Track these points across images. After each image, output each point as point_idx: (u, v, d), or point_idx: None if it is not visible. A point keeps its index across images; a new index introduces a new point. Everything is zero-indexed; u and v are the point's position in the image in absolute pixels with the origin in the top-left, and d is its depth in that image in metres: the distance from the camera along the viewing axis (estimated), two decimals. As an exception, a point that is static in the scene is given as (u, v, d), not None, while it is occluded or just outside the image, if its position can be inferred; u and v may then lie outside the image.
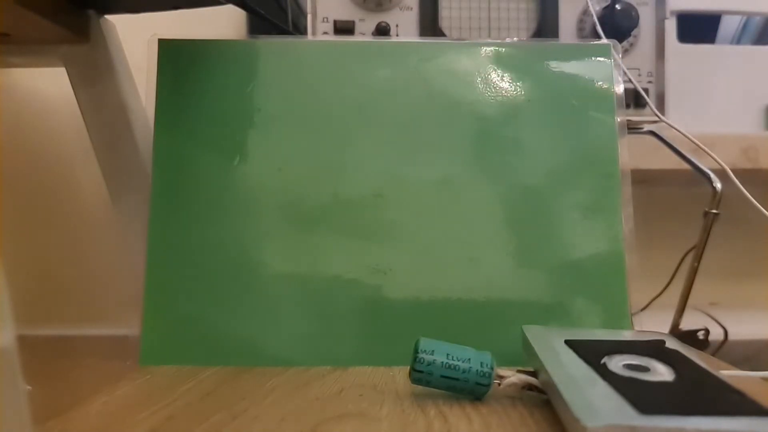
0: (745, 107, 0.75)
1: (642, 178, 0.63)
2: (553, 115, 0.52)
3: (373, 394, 0.40)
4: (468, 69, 0.52)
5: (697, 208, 0.61)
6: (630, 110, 0.63)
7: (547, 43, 0.55)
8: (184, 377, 0.44)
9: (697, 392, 0.33)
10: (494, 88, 0.52)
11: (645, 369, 0.36)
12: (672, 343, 0.41)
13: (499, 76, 0.53)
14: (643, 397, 0.31)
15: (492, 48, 0.53)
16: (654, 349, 0.39)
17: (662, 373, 0.35)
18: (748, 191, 0.54)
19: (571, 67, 0.53)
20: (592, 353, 0.38)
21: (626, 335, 0.46)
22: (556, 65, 0.53)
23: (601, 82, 0.52)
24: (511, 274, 0.50)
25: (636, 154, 0.62)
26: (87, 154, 0.57)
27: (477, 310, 0.49)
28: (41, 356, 0.53)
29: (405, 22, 0.61)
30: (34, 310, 0.72)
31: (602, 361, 0.36)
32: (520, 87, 0.52)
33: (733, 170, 0.56)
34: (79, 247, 0.77)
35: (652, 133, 0.64)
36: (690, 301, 0.60)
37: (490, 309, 0.49)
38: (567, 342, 0.40)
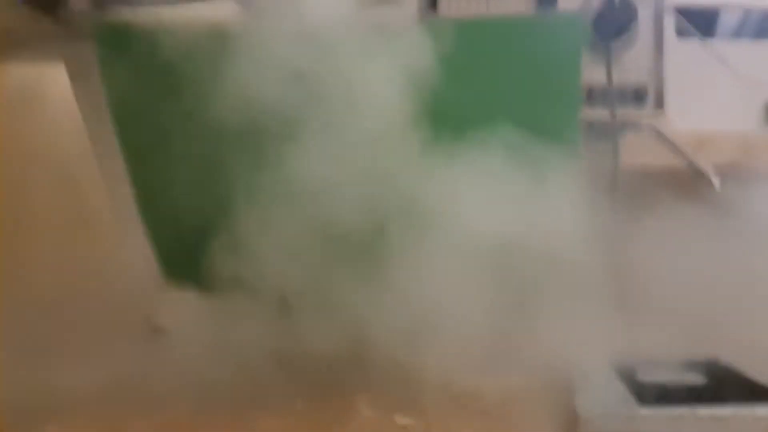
0: (744, 103, 0.75)
1: (640, 175, 0.63)
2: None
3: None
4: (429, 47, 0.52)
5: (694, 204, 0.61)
6: (629, 108, 0.63)
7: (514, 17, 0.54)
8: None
9: (717, 389, 0.33)
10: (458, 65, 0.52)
11: (677, 377, 0.36)
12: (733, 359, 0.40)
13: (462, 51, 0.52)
14: (650, 393, 0.31)
15: (455, 23, 0.53)
16: (701, 364, 0.38)
17: (693, 380, 0.35)
18: (746, 187, 0.54)
19: (538, 40, 0.52)
20: (631, 369, 0.37)
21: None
22: (522, 40, 0.52)
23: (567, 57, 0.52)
24: None
25: (635, 151, 0.62)
26: (87, 154, 0.57)
27: None
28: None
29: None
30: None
31: (635, 374, 0.36)
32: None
33: (731, 167, 0.56)
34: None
35: (651, 130, 0.64)
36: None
37: None
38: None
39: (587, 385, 0.34)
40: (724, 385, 0.34)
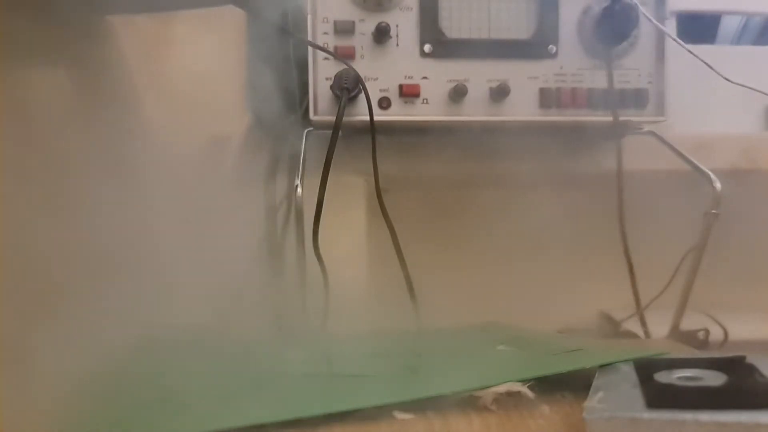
0: (745, 108, 0.75)
1: (642, 179, 0.63)
2: None
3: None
4: None
5: (697, 209, 0.61)
6: (630, 111, 0.63)
7: None
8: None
9: (731, 393, 0.32)
10: None
11: (697, 379, 0.34)
12: (760, 360, 0.36)
13: None
14: (662, 396, 0.30)
15: None
16: (725, 363, 0.36)
17: (713, 380, 0.33)
18: (747, 192, 0.54)
19: None
20: (650, 367, 0.36)
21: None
22: None
23: None
24: None
25: (636, 154, 0.62)
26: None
27: None
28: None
29: (405, 22, 0.61)
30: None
31: (654, 373, 0.35)
32: None
33: (733, 171, 0.56)
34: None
35: (652, 134, 0.64)
36: (690, 301, 0.61)
37: None
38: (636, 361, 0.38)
39: (600, 386, 0.34)
40: (743, 388, 0.33)
